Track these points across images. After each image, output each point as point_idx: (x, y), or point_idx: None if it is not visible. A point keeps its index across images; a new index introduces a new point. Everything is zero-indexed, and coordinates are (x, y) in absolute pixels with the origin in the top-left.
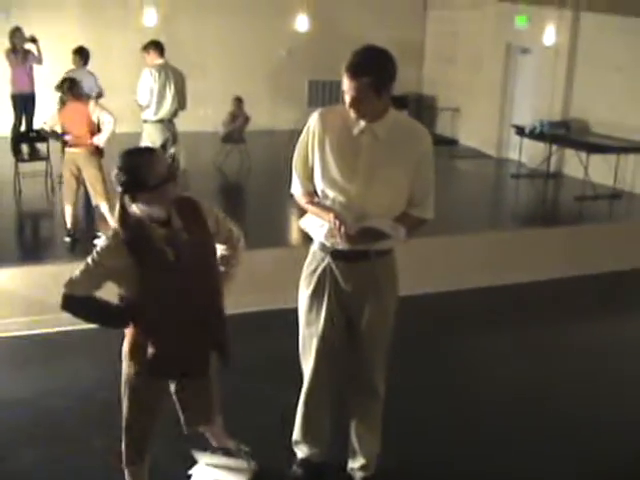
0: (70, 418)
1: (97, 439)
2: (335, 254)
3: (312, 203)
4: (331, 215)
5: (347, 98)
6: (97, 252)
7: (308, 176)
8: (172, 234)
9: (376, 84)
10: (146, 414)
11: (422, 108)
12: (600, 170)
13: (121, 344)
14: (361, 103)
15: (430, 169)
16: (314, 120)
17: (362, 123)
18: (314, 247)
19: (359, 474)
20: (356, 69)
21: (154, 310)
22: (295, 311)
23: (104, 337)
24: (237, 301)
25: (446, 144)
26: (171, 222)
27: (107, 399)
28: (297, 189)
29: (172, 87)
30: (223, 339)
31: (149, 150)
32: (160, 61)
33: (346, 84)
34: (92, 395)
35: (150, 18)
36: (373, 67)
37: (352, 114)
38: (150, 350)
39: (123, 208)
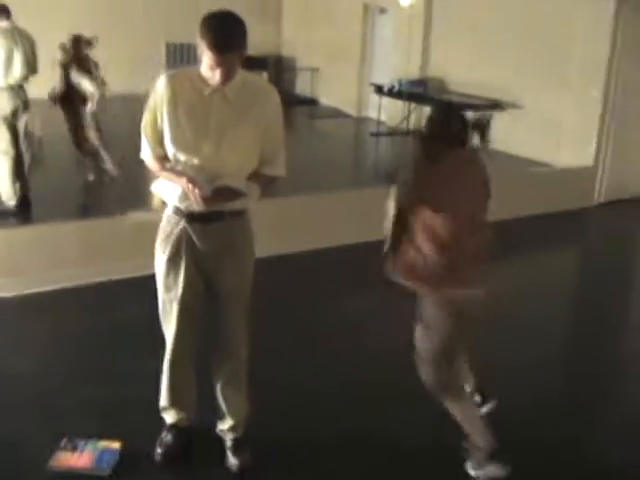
0: None
1: None
2: (190, 217)
3: (164, 168)
4: (184, 178)
5: (216, 73)
6: None
7: (158, 140)
8: None
9: (241, 54)
10: None
11: (282, 69)
12: None
13: None
14: (229, 74)
15: (279, 127)
16: (162, 84)
17: (212, 85)
18: (168, 211)
19: (229, 435)
20: (223, 46)
21: None
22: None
23: None
24: (94, 271)
25: (306, 104)
26: None
27: None
28: (147, 154)
29: (20, 51)
30: None
31: None
32: (5, 24)
33: (213, 59)
34: None
35: None
36: (238, 40)
37: (216, 81)
38: None
39: None
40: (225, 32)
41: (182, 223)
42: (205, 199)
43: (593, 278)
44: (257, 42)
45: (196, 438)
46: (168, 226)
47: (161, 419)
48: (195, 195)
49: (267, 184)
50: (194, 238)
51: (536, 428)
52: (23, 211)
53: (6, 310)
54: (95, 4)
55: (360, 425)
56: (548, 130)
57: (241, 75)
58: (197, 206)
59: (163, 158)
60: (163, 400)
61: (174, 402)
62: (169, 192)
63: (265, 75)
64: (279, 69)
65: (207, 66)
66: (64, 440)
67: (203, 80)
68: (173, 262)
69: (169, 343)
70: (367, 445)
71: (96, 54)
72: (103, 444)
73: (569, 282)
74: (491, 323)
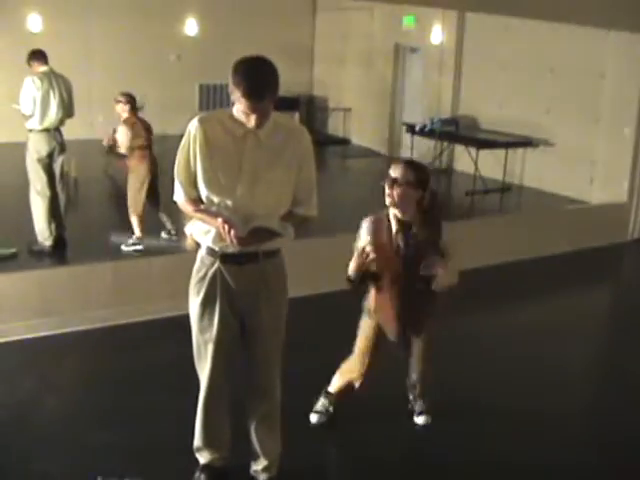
0: None
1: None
2: (224, 258)
3: (198, 209)
4: (220, 219)
5: (251, 119)
6: None
7: (191, 182)
8: None
9: (274, 99)
10: None
11: (314, 109)
12: (490, 165)
13: None
14: (264, 119)
15: (311, 167)
16: (194, 126)
17: (245, 128)
18: (202, 253)
19: (263, 476)
20: (258, 93)
21: None
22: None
23: None
24: (133, 310)
25: (338, 144)
26: None
27: None
28: (180, 196)
29: (57, 95)
30: None
31: None
32: (44, 68)
33: (247, 106)
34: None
35: (34, 23)
36: (271, 86)
37: (251, 126)
38: None
39: None
40: (259, 80)
41: (216, 264)
42: (240, 239)
43: (631, 315)
44: (289, 82)
45: (230, 478)
46: (202, 267)
47: (193, 459)
48: (230, 236)
49: (300, 224)
50: (229, 279)
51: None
52: (58, 251)
53: (41, 350)
54: (129, 46)
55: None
56: (581, 167)
57: (273, 116)
58: (232, 246)
59: (197, 200)
60: (197, 440)
61: (208, 442)
62: (203, 233)
63: (297, 115)
64: (311, 109)
65: (241, 112)
66: None
67: (235, 121)
68: (208, 304)
69: (204, 384)
70: None
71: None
72: None
73: (606, 319)
74: (526, 361)
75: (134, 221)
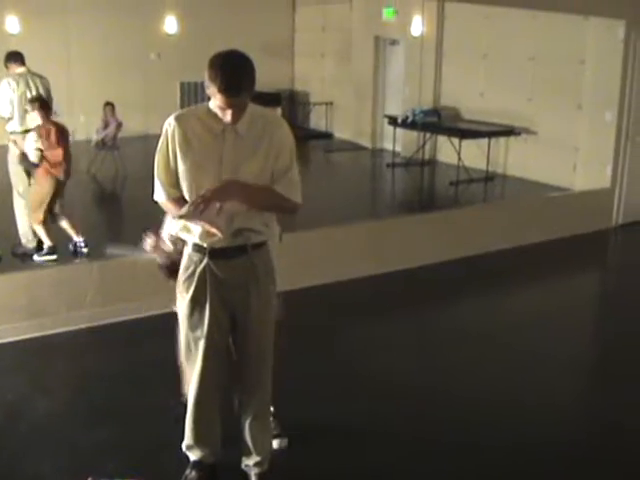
0: None
1: None
2: (213, 253)
3: (181, 209)
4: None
5: (227, 114)
6: None
7: (171, 182)
8: None
9: (250, 93)
10: None
11: (295, 104)
12: (473, 155)
13: None
14: (241, 113)
15: (287, 155)
16: (171, 124)
17: (223, 122)
18: (188, 250)
19: (254, 470)
20: (234, 89)
21: None
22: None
23: None
24: (121, 309)
25: (321, 138)
26: None
27: None
28: (161, 196)
29: (34, 94)
30: None
31: None
32: (20, 70)
33: (224, 101)
34: None
35: (12, 25)
36: (247, 81)
37: (227, 121)
38: None
39: None
40: (235, 75)
41: (205, 260)
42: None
43: (617, 301)
44: (270, 78)
45: (220, 474)
46: (190, 264)
47: (183, 456)
48: (216, 229)
49: (282, 201)
50: (218, 274)
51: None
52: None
53: (30, 351)
54: (109, 45)
55: (389, 461)
56: (564, 154)
57: (249, 108)
58: (221, 236)
59: (178, 199)
60: (188, 438)
61: (200, 440)
62: (188, 231)
63: (279, 111)
64: (293, 104)
65: (217, 107)
66: None
67: (213, 117)
68: (197, 300)
69: (194, 382)
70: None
71: (111, 96)
72: None
73: (593, 305)
74: (508, 351)
75: (39, 230)
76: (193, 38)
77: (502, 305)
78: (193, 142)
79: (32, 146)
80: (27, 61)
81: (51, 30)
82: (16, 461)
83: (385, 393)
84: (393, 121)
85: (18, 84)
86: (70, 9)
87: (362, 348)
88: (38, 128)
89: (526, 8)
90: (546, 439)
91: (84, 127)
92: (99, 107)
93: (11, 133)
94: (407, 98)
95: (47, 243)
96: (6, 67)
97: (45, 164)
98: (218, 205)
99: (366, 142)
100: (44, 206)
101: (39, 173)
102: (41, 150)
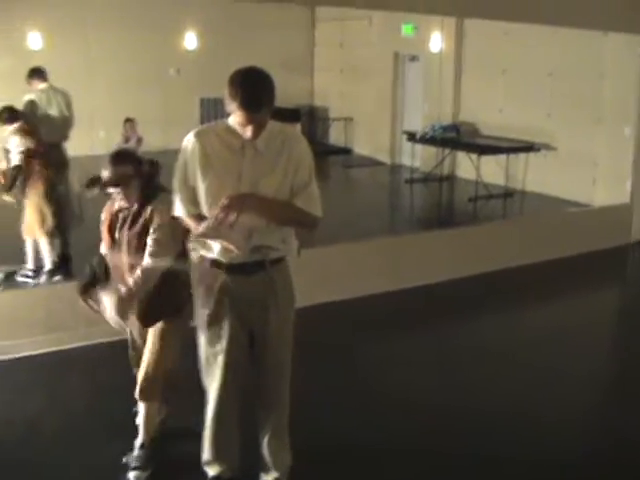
0: None
1: None
2: (231, 269)
3: (200, 234)
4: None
5: (248, 130)
6: None
7: (190, 199)
8: None
9: (270, 109)
10: None
11: (315, 119)
12: (491, 171)
13: None
14: (261, 129)
15: (306, 170)
16: (191, 141)
17: (242, 138)
18: (206, 265)
19: None
20: (255, 106)
21: None
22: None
23: None
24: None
25: (340, 154)
26: None
27: None
28: (180, 212)
29: (56, 111)
30: None
31: None
32: (43, 86)
33: (244, 118)
34: None
35: (35, 41)
36: (267, 97)
37: (247, 137)
38: None
39: None
40: (255, 92)
41: (223, 276)
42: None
43: (636, 317)
44: (289, 94)
45: None
46: (208, 279)
47: (201, 471)
48: (234, 246)
49: (301, 214)
50: (236, 290)
51: None
52: (63, 268)
53: (47, 366)
54: (129, 61)
55: (408, 477)
56: (583, 169)
57: (268, 125)
58: (239, 252)
59: (197, 217)
60: (207, 454)
61: (218, 455)
62: (207, 247)
63: (299, 127)
64: (312, 120)
65: (237, 123)
66: None
67: (232, 133)
68: (216, 316)
69: (213, 397)
70: None
71: (130, 111)
72: None
73: (612, 322)
74: (527, 368)
75: (43, 243)
76: (213, 54)
77: (521, 321)
78: (212, 158)
79: (17, 150)
80: (49, 77)
81: (72, 46)
82: (33, 476)
83: (404, 409)
84: (411, 137)
85: (41, 100)
86: (91, 25)
87: (380, 364)
88: (20, 126)
89: (545, 24)
90: (565, 455)
91: (104, 142)
92: (119, 122)
93: None
94: (426, 114)
95: (48, 260)
96: (28, 83)
97: (34, 162)
98: (235, 216)
99: (385, 158)
100: (46, 209)
101: (30, 178)
102: (28, 150)
